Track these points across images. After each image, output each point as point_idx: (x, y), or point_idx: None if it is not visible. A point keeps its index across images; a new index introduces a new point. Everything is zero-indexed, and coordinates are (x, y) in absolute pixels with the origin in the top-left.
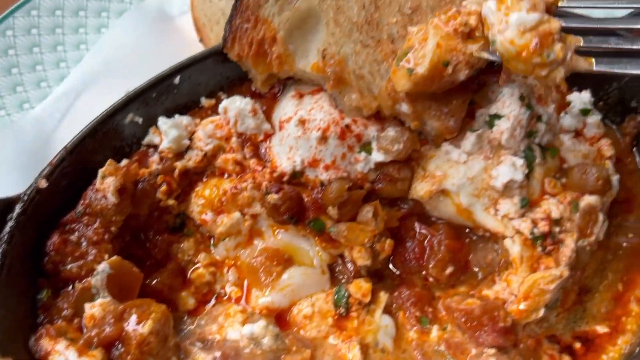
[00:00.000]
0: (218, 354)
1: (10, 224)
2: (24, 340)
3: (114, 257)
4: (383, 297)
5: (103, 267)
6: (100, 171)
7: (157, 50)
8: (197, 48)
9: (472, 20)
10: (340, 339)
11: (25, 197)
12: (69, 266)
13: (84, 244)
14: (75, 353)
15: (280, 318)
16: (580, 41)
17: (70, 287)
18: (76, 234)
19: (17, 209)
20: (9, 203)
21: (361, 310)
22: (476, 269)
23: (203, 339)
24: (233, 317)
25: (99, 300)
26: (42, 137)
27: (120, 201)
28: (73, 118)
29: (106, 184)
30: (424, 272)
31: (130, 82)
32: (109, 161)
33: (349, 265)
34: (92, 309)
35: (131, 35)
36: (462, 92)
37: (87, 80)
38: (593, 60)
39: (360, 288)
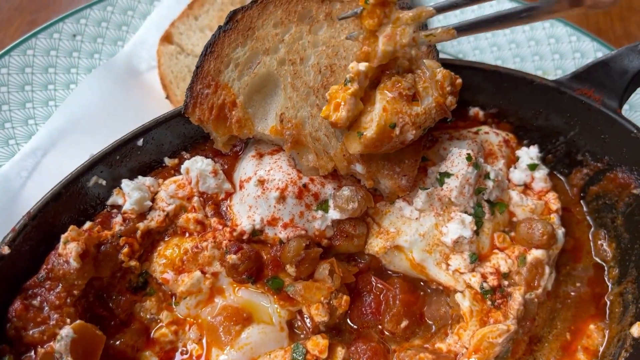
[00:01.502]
0: None
1: None
2: None
3: (77, 322)
4: (340, 352)
5: (67, 331)
6: (63, 237)
7: (124, 107)
8: (164, 103)
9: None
10: None
11: None
12: (31, 331)
13: (46, 308)
14: None
15: None
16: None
17: (33, 353)
18: (38, 298)
19: None
20: None
21: None
22: (430, 322)
23: None
24: None
25: None
26: (9, 195)
27: (82, 266)
28: (40, 176)
29: (68, 249)
30: (380, 326)
31: (98, 139)
32: (71, 227)
33: (308, 321)
34: None
35: (99, 91)
36: (414, 151)
37: (55, 138)
38: (454, 30)
39: (317, 344)
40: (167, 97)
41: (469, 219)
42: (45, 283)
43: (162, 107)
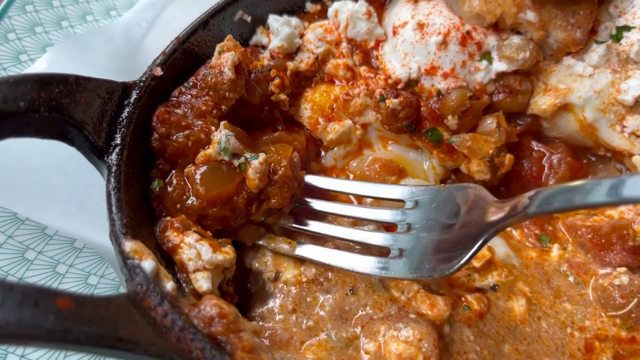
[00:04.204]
0: None
1: (127, 109)
2: (148, 228)
3: (226, 123)
4: None
5: (225, 132)
6: (218, 46)
7: None
8: None
9: None
10: None
11: (142, 84)
12: (175, 136)
13: (190, 115)
14: (210, 248)
15: None
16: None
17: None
18: (182, 107)
19: (134, 94)
20: (127, 88)
21: None
22: None
23: None
24: None
25: None
26: (132, 44)
27: (235, 78)
28: (160, 29)
29: (223, 59)
30: None
31: None
32: (229, 36)
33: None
34: None
35: None
36: (589, 2)
37: None
38: (295, 243)
39: None
40: None
41: None
42: (191, 90)
43: None
